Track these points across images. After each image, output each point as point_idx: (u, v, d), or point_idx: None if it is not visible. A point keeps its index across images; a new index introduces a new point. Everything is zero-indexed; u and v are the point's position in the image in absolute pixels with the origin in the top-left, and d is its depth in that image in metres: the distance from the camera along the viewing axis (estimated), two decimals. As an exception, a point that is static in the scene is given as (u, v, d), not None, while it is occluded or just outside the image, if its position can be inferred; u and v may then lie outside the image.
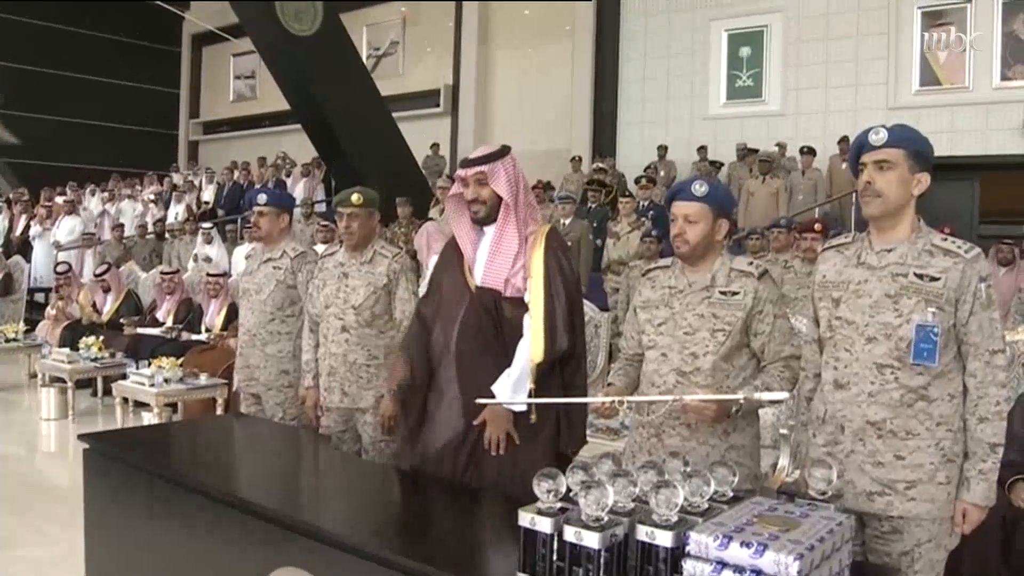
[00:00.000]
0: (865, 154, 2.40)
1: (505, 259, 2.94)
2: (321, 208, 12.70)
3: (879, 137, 2.37)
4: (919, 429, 2.35)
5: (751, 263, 2.84)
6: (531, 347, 2.86)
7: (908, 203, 2.39)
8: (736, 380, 2.75)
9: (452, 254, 3.11)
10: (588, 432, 3.25)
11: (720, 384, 2.73)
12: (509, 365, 2.90)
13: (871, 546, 2.44)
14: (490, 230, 3.01)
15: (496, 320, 2.94)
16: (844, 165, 10.28)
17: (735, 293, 2.74)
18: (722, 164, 12.05)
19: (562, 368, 2.97)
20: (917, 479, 2.35)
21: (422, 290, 3.60)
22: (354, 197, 3.91)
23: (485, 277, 2.97)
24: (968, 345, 2.35)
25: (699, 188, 2.76)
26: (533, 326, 2.88)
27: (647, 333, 2.86)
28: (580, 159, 13.08)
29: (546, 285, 2.90)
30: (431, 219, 9.10)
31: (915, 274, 2.35)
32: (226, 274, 8.31)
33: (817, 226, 6.85)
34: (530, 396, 2.86)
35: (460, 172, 3.00)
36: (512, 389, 2.87)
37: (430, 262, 4.82)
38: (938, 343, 2.30)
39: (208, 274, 8.10)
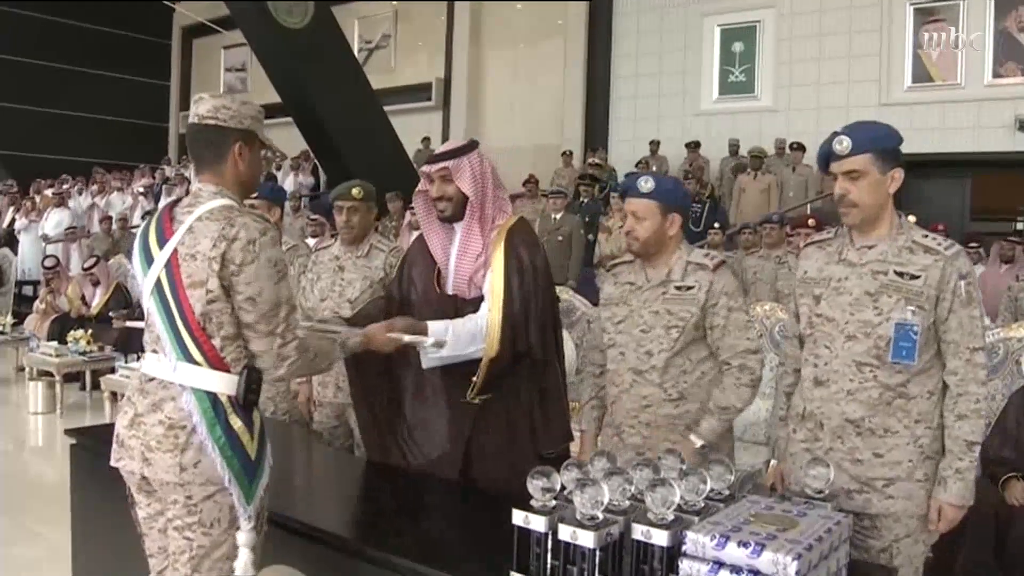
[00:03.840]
0: (834, 163, 2.37)
1: (470, 259, 2.83)
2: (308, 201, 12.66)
3: (843, 147, 2.33)
4: (897, 427, 2.34)
5: (707, 255, 2.82)
6: (487, 342, 2.71)
7: (886, 202, 2.38)
8: (693, 375, 2.74)
9: (420, 258, 2.99)
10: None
11: (675, 380, 2.72)
12: (475, 365, 2.75)
13: (851, 541, 2.43)
14: (460, 227, 2.87)
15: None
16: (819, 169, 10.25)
17: (690, 287, 2.73)
18: (698, 144, 12.07)
19: (533, 369, 2.84)
20: (895, 476, 2.35)
21: None
22: (354, 191, 3.87)
23: (456, 283, 2.86)
24: (948, 343, 2.34)
25: (645, 184, 2.75)
26: (490, 321, 2.72)
27: (608, 331, 2.86)
28: (571, 154, 13.06)
29: (505, 280, 2.75)
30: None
31: (895, 272, 2.33)
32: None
33: (811, 221, 6.85)
34: (473, 389, 2.75)
35: (424, 168, 2.87)
36: (453, 342, 2.71)
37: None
38: (917, 341, 2.28)
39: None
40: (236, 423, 2.09)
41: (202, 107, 2.19)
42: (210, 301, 2.06)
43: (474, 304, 2.81)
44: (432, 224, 2.93)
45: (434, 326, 2.73)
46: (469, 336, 2.74)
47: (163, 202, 12.74)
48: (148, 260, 2.14)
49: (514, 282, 2.75)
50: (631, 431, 2.78)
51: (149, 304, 2.14)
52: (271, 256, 2.10)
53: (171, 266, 2.09)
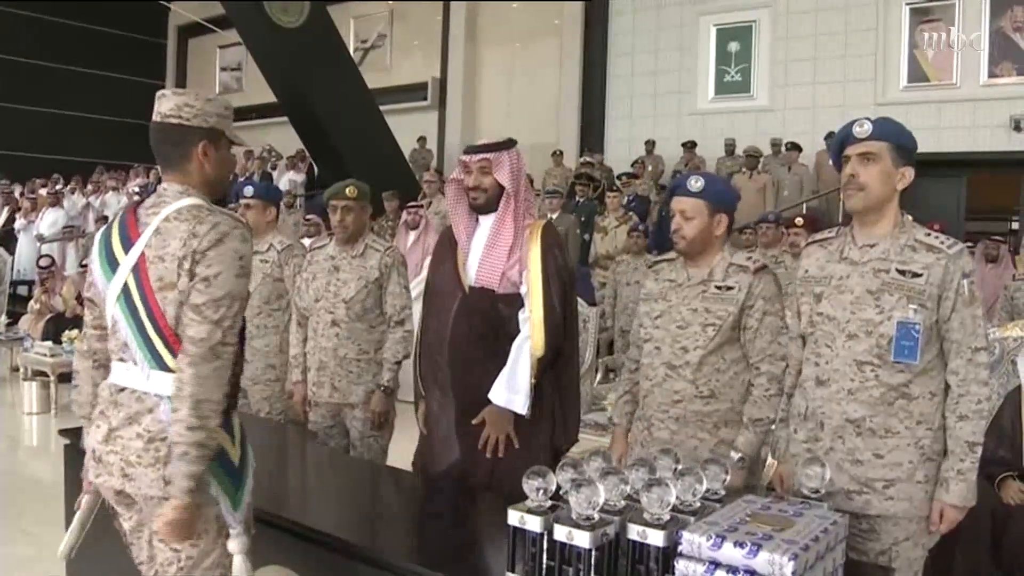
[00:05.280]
0: (849, 146, 2.38)
1: (501, 251, 2.89)
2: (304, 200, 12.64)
3: (863, 129, 2.34)
4: (899, 427, 2.33)
5: (749, 258, 2.86)
6: (532, 341, 2.82)
7: (892, 197, 2.38)
8: (726, 374, 2.77)
9: (446, 247, 3.06)
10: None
11: (708, 378, 2.75)
12: (503, 362, 2.85)
13: (849, 543, 2.43)
14: (487, 220, 2.96)
15: (490, 320, 2.89)
16: (831, 160, 10.23)
17: (730, 288, 2.76)
18: (694, 144, 12.09)
19: (552, 367, 2.92)
20: (896, 478, 2.33)
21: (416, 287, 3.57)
22: (348, 190, 3.87)
23: (480, 272, 2.92)
24: (950, 342, 2.33)
25: (695, 184, 2.77)
26: (533, 320, 2.83)
27: (645, 326, 2.90)
28: (562, 153, 13.05)
29: (544, 279, 2.85)
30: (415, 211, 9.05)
31: (897, 270, 2.33)
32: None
33: (798, 220, 6.86)
34: (530, 393, 2.83)
35: (464, 158, 2.95)
36: (507, 391, 2.83)
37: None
38: (919, 340, 2.27)
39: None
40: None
41: (164, 105, 2.09)
42: (182, 303, 1.98)
43: (504, 300, 2.89)
44: (460, 212, 3.01)
45: (496, 394, 2.83)
46: (513, 361, 2.84)
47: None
48: (112, 265, 2.05)
49: (552, 282, 2.86)
50: (660, 425, 2.81)
51: (114, 311, 2.04)
52: (238, 248, 2.02)
53: (139, 270, 2.01)
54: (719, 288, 2.77)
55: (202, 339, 1.95)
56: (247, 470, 2.10)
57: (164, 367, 2.00)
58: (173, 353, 1.99)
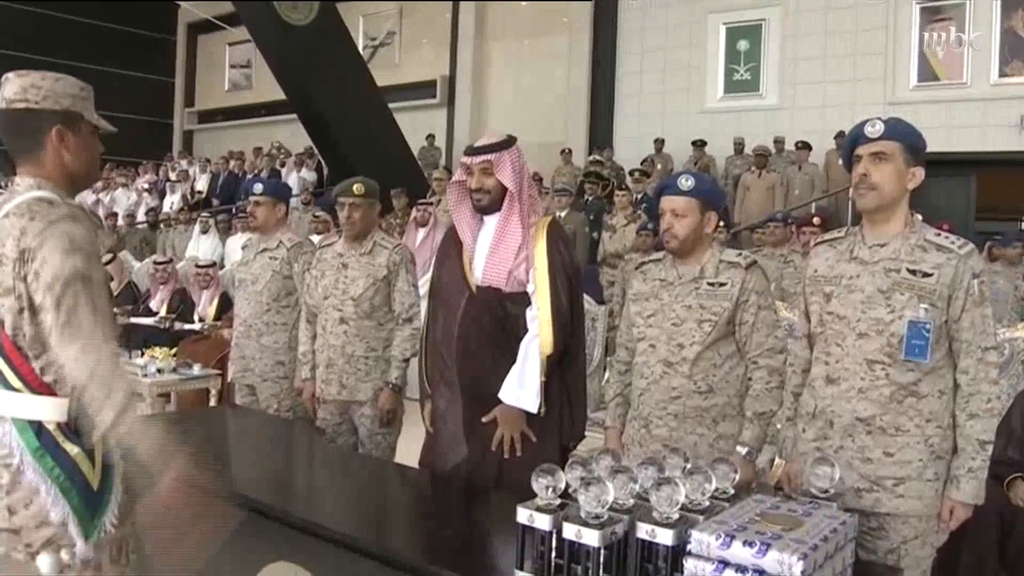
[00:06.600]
0: (861, 146, 2.39)
1: (508, 250, 2.90)
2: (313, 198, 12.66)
3: (875, 129, 2.35)
4: (908, 426, 2.34)
5: (740, 254, 2.88)
6: (541, 340, 2.83)
7: (902, 197, 2.39)
8: (722, 369, 2.78)
9: (451, 244, 3.07)
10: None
11: (705, 373, 2.76)
12: (512, 360, 2.85)
13: (857, 542, 2.43)
14: (491, 220, 2.96)
15: (498, 319, 2.90)
16: (841, 160, 10.18)
17: (723, 284, 2.78)
18: (704, 142, 12.07)
19: (559, 363, 2.93)
20: (906, 476, 2.34)
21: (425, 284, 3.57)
22: (356, 187, 3.87)
23: (487, 272, 2.92)
24: (960, 342, 2.34)
25: (685, 183, 2.78)
26: (540, 318, 2.84)
27: (637, 325, 2.90)
28: (571, 151, 13.05)
29: (551, 276, 2.86)
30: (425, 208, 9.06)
31: (908, 269, 2.34)
32: (215, 264, 8.27)
33: (816, 220, 6.84)
34: (540, 391, 2.83)
35: (465, 160, 2.95)
36: (518, 389, 2.83)
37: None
38: (930, 340, 2.28)
39: (197, 265, 8.07)
40: (72, 449, 1.83)
41: (9, 89, 1.90)
42: (20, 310, 1.80)
43: (511, 298, 2.90)
44: (464, 213, 3.01)
45: (507, 393, 2.84)
46: (523, 360, 2.86)
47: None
48: None
49: (559, 279, 2.87)
50: (659, 422, 2.81)
51: None
52: (68, 230, 1.79)
53: None
54: (712, 285, 2.78)
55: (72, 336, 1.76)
56: (109, 498, 1.89)
57: (8, 385, 1.83)
58: (16, 369, 1.82)
